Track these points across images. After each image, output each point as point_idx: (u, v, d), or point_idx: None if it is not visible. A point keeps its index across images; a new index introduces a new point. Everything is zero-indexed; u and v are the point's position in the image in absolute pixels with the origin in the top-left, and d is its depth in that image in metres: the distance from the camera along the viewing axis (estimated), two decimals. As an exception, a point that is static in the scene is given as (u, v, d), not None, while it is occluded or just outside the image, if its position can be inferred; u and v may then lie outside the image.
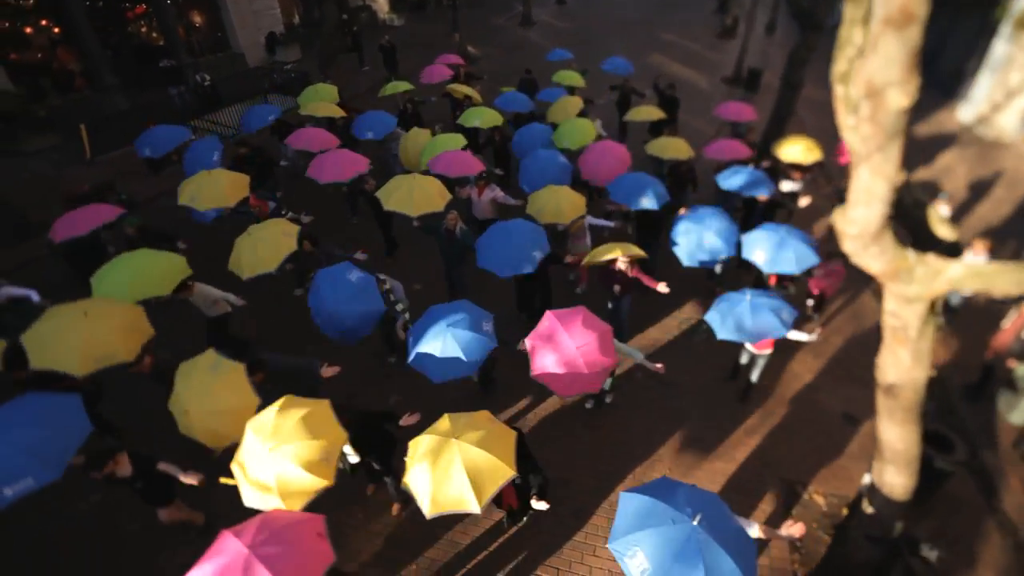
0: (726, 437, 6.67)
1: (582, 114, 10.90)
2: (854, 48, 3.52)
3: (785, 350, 7.64)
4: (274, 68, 15.87)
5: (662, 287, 6.71)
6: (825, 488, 6.14)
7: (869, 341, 7.66)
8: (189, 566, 3.43)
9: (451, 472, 3.97)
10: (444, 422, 4.30)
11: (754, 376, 6.82)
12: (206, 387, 4.85)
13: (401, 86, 11.51)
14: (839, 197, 9.89)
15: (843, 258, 7.08)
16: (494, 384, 7.05)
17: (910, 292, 3.33)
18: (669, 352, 7.81)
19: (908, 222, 3.64)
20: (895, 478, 4.62)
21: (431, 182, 7.71)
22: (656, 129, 10.90)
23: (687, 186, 9.20)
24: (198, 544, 4.17)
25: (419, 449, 4.19)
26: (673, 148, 9.00)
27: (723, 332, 5.90)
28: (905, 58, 2.21)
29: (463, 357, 5.21)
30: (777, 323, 5.77)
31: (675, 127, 10.53)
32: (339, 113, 10.43)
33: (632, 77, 12.56)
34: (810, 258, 6.72)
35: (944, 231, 3.53)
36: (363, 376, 7.32)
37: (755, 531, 4.15)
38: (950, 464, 5.66)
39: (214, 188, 7.46)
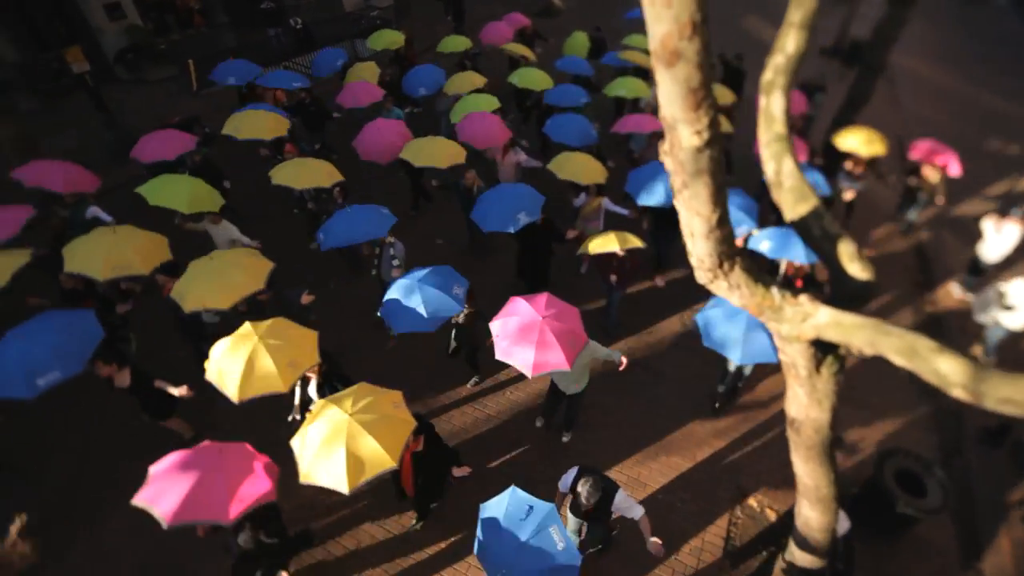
0: (695, 434, 6.60)
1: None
2: (784, 56, 3.27)
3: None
4: (363, 14, 16.47)
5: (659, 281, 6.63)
6: (780, 505, 5.96)
7: (880, 363, 7.00)
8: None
9: (334, 448, 4.15)
10: (329, 407, 4.41)
11: (740, 381, 6.59)
12: (237, 257, 5.96)
13: (460, 43, 11.56)
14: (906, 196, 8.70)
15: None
16: (478, 369, 7.12)
17: (782, 331, 3.15)
18: (664, 342, 7.68)
19: (821, 255, 3.37)
20: (809, 512, 4.47)
21: (448, 143, 7.97)
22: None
23: None
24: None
25: (313, 437, 4.31)
26: None
27: (708, 340, 5.60)
28: (683, 96, 2.11)
29: (424, 313, 5.49)
30: (770, 348, 5.32)
31: (738, 102, 9.69)
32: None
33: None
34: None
35: (855, 269, 3.23)
36: (361, 328, 7.91)
37: (639, 513, 4.42)
38: (915, 510, 5.25)
39: (256, 122, 8.26)
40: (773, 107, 3.29)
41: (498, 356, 5.09)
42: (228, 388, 4.83)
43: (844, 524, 5.11)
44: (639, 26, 12.74)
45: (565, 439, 6.45)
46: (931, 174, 8.00)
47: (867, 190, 8.75)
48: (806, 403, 3.63)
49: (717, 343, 5.53)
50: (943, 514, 5.48)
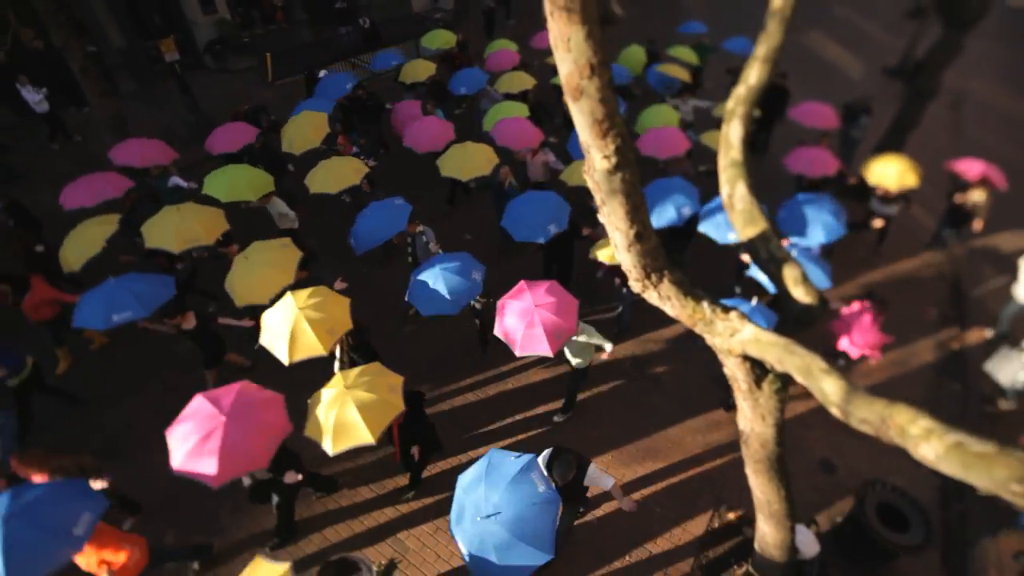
0: (684, 444, 6.74)
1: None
2: (745, 88, 3.49)
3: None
4: (427, 17, 17.27)
5: None
6: (759, 523, 5.99)
7: (886, 391, 6.84)
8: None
9: (329, 413, 4.84)
10: (338, 379, 5.14)
11: None
12: (270, 253, 6.68)
13: (506, 46, 11.99)
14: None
15: (877, 303, 6.38)
16: (489, 346, 7.59)
17: (716, 344, 3.37)
18: (667, 351, 7.81)
19: (768, 276, 3.55)
20: (763, 526, 4.60)
21: (481, 149, 8.45)
22: (763, 124, 10.03)
23: None
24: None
25: (319, 401, 5.05)
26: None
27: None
28: (590, 126, 2.43)
29: (447, 296, 6.10)
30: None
31: (773, 123, 9.53)
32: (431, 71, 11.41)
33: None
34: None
35: (799, 292, 3.39)
36: (384, 312, 8.43)
37: (610, 482, 4.74)
38: (893, 544, 5.21)
39: (303, 131, 9.01)
40: (731, 135, 3.49)
41: (495, 331, 5.77)
42: (279, 353, 5.61)
43: (813, 547, 5.15)
44: (694, 39, 12.69)
45: (557, 419, 6.88)
46: (977, 194, 7.68)
47: (901, 215, 8.51)
48: (750, 416, 3.80)
49: None
50: (927, 551, 5.39)
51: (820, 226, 6.89)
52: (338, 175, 8.16)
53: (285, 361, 5.57)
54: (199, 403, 4.67)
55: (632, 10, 18.87)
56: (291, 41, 16.94)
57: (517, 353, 5.50)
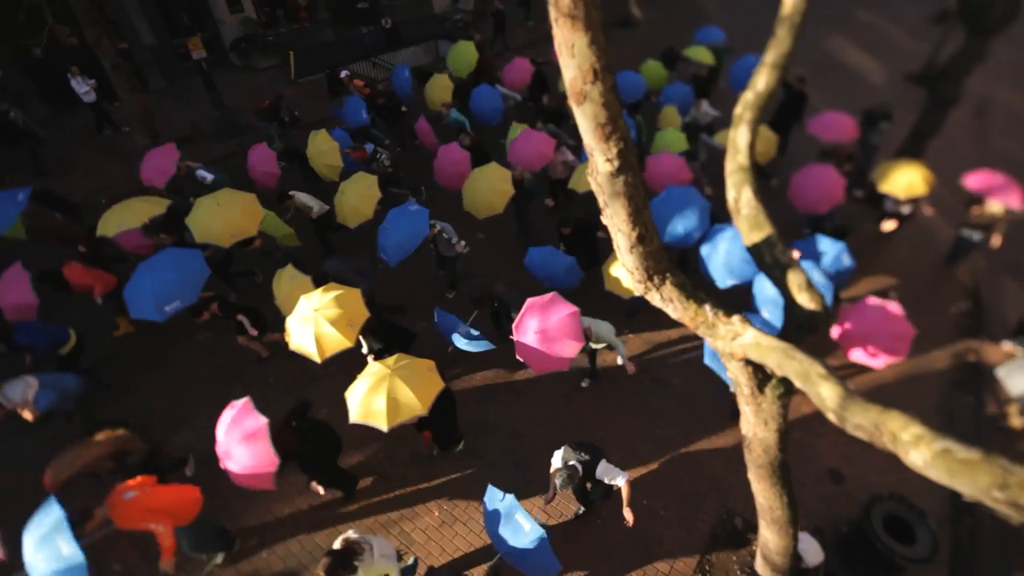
0: (690, 448, 6.71)
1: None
2: (754, 93, 3.52)
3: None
4: (447, 17, 17.44)
5: None
6: (764, 530, 5.97)
7: (897, 401, 6.75)
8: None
9: (377, 394, 5.16)
10: (376, 365, 5.45)
11: None
12: (290, 289, 6.92)
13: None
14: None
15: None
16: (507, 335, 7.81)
17: (718, 347, 3.39)
18: (675, 355, 7.80)
19: (773, 281, 3.56)
20: (766, 532, 4.61)
21: (493, 172, 8.56)
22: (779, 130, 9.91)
23: None
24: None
25: (360, 388, 5.36)
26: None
27: (707, 358, 6.17)
28: (593, 130, 2.49)
29: (472, 345, 6.78)
30: None
31: (790, 129, 9.43)
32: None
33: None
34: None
35: (804, 299, 3.40)
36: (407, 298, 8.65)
37: (621, 481, 4.93)
38: (899, 556, 5.16)
39: (324, 160, 9.49)
40: (739, 140, 3.52)
41: (517, 350, 6.04)
42: (310, 354, 5.90)
43: (817, 555, 5.13)
44: (710, 46, 12.60)
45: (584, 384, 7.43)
46: (995, 207, 7.51)
47: (920, 224, 8.41)
48: (753, 421, 3.81)
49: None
50: (934, 564, 5.32)
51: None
52: (363, 197, 8.40)
53: (318, 360, 5.88)
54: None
55: (651, 12, 18.81)
56: (314, 40, 17.23)
57: (536, 372, 5.98)
